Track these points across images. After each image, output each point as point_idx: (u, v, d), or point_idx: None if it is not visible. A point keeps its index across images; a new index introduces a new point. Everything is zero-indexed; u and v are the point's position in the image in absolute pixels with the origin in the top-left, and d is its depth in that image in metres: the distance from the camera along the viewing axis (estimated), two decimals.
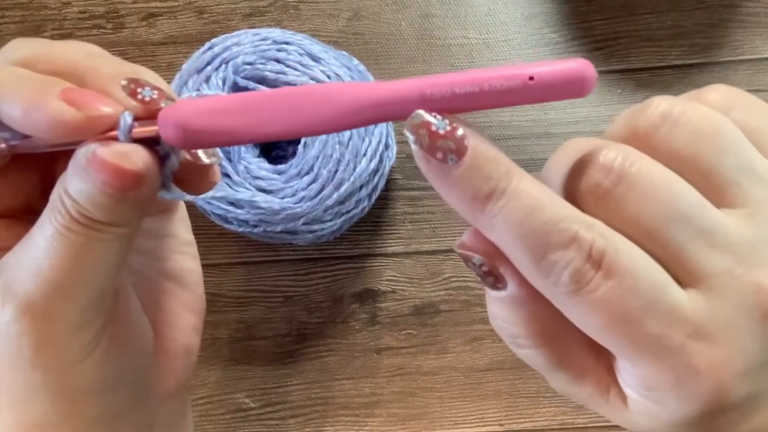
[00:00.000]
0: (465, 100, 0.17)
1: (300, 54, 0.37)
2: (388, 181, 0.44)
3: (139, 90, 0.18)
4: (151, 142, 0.18)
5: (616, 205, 0.16)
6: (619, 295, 0.15)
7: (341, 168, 0.37)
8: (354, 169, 0.37)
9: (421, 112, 0.16)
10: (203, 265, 0.44)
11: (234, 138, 0.18)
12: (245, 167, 0.37)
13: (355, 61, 0.41)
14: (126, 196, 0.18)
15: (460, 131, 0.16)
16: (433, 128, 0.16)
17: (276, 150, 0.43)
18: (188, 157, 0.20)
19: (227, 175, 0.37)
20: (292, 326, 0.44)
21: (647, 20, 0.45)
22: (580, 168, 0.17)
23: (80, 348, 0.19)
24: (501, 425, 0.42)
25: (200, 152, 0.21)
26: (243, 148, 0.38)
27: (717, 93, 0.18)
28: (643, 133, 0.17)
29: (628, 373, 0.17)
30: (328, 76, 0.37)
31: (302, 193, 0.37)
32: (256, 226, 0.38)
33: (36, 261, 0.18)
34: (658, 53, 0.45)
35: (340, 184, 0.37)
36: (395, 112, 0.17)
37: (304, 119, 0.18)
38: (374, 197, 0.40)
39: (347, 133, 0.37)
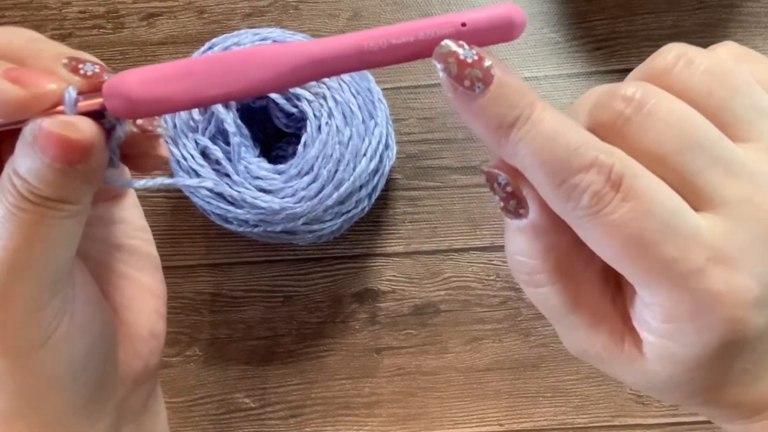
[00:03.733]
0: (402, 50, 0.18)
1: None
2: (388, 181, 0.44)
3: (80, 66, 0.19)
4: (96, 116, 0.18)
5: (636, 133, 0.17)
6: (636, 217, 0.16)
7: (341, 168, 0.37)
8: (354, 169, 0.37)
9: (448, 41, 0.17)
10: (204, 265, 0.45)
11: (178, 104, 0.18)
12: (245, 167, 0.37)
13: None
14: (74, 170, 0.18)
15: (487, 61, 0.17)
16: (461, 57, 0.17)
17: (276, 150, 0.43)
18: (134, 128, 0.20)
19: (227, 175, 0.37)
20: (291, 326, 0.44)
21: (647, 20, 0.45)
22: (602, 101, 0.17)
23: (39, 332, 0.19)
24: (501, 425, 0.42)
25: (145, 123, 0.21)
26: (243, 148, 0.38)
27: (727, 47, 0.19)
28: (659, 73, 0.17)
29: (646, 305, 0.17)
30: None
31: (302, 193, 0.37)
32: (256, 226, 0.38)
33: None
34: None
35: (340, 184, 0.37)
36: (335, 68, 0.18)
37: (245, 80, 0.18)
38: (374, 197, 0.40)
39: (347, 133, 0.37)
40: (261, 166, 0.38)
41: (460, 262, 0.44)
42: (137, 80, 0.18)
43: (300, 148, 0.37)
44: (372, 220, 0.44)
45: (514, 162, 0.17)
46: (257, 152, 0.40)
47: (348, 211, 0.39)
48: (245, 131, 0.39)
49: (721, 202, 0.16)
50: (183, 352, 0.44)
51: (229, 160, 0.37)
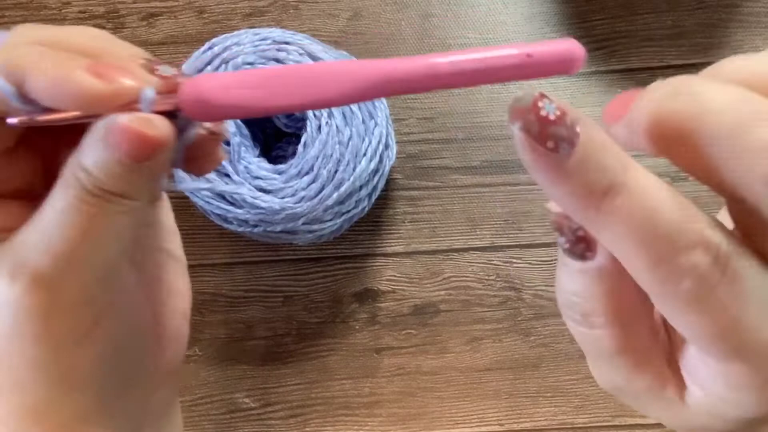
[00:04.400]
0: (469, 76, 0.18)
1: (300, 54, 0.37)
2: (388, 181, 0.44)
3: (156, 67, 0.19)
4: (168, 117, 0.19)
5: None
6: (737, 302, 0.14)
7: (341, 168, 0.37)
8: (354, 169, 0.37)
9: (530, 92, 0.14)
10: (203, 265, 0.45)
11: (251, 111, 0.19)
12: (245, 167, 0.37)
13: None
14: (142, 167, 0.18)
15: (571, 115, 0.14)
16: (543, 113, 0.14)
17: (276, 150, 0.43)
18: (202, 131, 0.21)
19: (227, 175, 0.37)
20: (291, 326, 0.44)
21: (647, 20, 0.45)
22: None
23: (85, 324, 0.19)
24: (501, 425, 0.42)
25: (213, 125, 0.22)
26: (243, 148, 0.38)
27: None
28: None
29: (707, 369, 0.16)
30: None
31: (302, 193, 0.37)
32: (256, 226, 0.38)
33: (47, 235, 0.18)
34: (658, 53, 0.45)
35: (340, 184, 0.37)
36: (405, 88, 0.18)
37: (319, 94, 0.19)
38: (374, 197, 0.40)
39: (347, 133, 0.37)
40: (261, 166, 0.38)
41: (460, 262, 0.44)
42: (215, 85, 0.19)
43: (300, 148, 0.37)
44: (372, 220, 0.44)
45: (601, 234, 0.15)
46: (257, 152, 0.40)
47: (348, 211, 0.39)
48: (245, 131, 0.39)
49: None
50: None
51: (229, 160, 0.37)
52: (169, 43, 0.48)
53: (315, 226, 0.38)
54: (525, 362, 0.43)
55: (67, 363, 0.19)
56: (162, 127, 0.18)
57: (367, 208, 0.40)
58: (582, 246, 0.16)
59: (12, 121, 0.18)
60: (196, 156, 0.21)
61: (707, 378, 0.16)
